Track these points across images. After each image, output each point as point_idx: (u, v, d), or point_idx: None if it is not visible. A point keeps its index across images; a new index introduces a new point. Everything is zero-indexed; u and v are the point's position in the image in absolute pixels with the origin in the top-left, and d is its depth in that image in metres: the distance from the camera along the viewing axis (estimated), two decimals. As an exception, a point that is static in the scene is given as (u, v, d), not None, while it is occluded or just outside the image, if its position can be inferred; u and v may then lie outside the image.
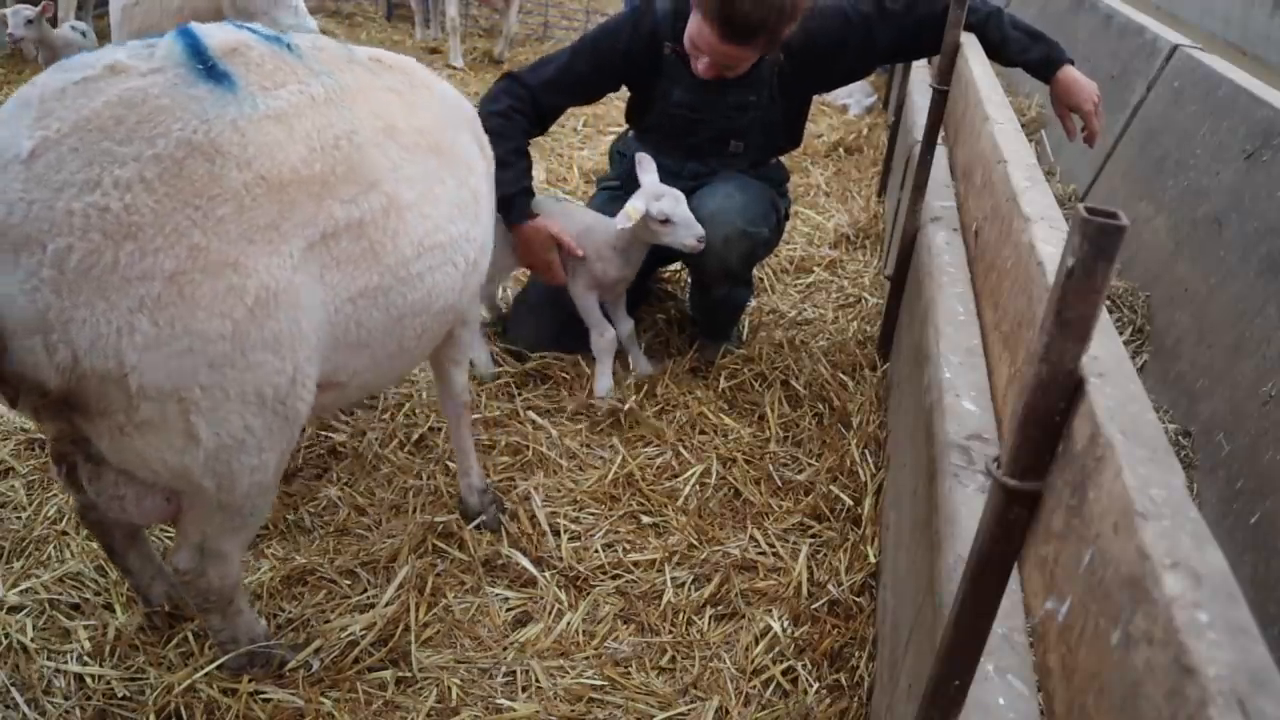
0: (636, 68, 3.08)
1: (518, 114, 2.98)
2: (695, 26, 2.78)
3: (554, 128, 5.56)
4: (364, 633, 2.10)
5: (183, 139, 1.47)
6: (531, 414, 2.96)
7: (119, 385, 1.43)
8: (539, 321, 3.24)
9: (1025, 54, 2.92)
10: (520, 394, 3.08)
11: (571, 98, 3.15)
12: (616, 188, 3.48)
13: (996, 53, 2.90)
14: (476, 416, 2.89)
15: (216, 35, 1.64)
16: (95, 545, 2.25)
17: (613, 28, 3.10)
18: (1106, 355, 0.89)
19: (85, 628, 2.05)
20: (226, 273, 1.48)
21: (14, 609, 2.07)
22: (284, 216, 1.57)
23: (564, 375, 3.17)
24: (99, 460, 1.59)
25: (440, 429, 2.86)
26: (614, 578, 2.37)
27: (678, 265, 3.72)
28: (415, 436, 2.81)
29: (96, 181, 1.39)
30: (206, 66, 1.56)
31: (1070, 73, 2.88)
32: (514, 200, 2.92)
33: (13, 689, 1.88)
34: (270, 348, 1.57)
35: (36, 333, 1.37)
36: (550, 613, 2.25)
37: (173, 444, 1.52)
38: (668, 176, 3.28)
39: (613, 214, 3.36)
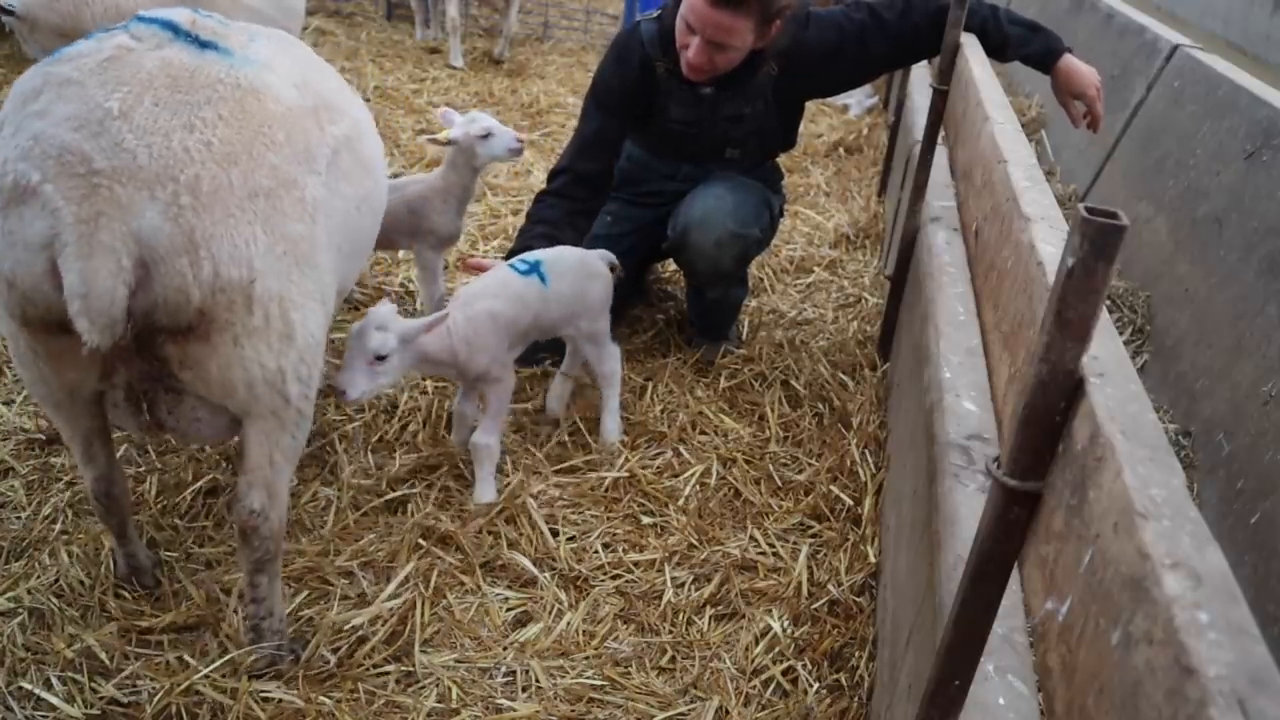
0: (637, 98, 3.11)
1: (558, 197, 3.14)
2: (686, 4, 2.80)
3: (556, 129, 5.63)
4: (372, 628, 2.10)
5: (231, 84, 1.70)
6: (524, 421, 2.96)
7: (244, 293, 1.67)
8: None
9: (1025, 48, 2.94)
10: (517, 398, 3.08)
11: (604, 151, 3.18)
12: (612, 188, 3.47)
13: (998, 52, 2.92)
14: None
15: (177, 14, 1.82)
16: (82, 550, 2.26)
17: (601, 74, 3.17)
18: (1106, 355, 0.89)
19: (84, 629, 2.05)
20: (294, 187, 1.75)
21: (9, 614, 2.07)
22: (310, 139, 1.83)
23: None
24: (179, 390, 1.81)
25: (437, 429, 2.85)
26: (614, 578, 2.37)
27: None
28: (415, 438, 2.81)
29: (191, 124, 1.61)
30: (192, 38, 1.75)
31: (1070, 61, 2.90)
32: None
33: (9, 695, 1.88)
34: (325, 252, 1.85)
35: (185, 253, 1.58)
36: (550, 613, 2.25)
37: (273, 345, 1.76)
38: (662, 179, 3.28)
39: (605, 213, 3.35)
